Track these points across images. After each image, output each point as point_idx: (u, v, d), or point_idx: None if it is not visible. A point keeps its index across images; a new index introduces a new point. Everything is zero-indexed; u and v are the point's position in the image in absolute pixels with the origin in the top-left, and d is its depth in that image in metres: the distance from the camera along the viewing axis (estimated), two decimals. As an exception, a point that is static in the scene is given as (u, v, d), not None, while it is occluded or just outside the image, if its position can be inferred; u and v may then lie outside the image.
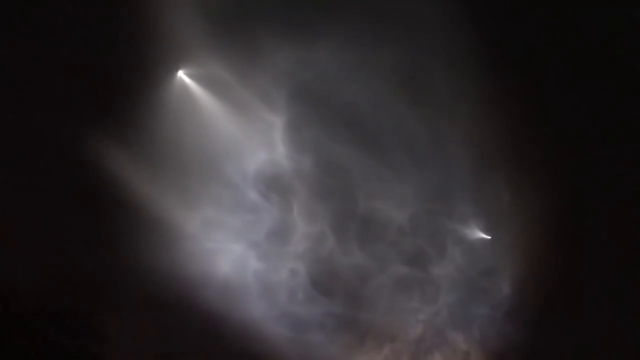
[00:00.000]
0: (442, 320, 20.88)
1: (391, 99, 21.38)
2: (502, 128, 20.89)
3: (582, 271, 20.52)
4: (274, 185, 21.82)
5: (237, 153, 21.91)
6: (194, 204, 21.41)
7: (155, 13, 20.71)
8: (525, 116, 21.06)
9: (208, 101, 22.16)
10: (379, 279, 21.12)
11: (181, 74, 21.87)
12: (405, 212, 21.35)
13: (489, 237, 21.24)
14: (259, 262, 21.27)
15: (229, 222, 21.51)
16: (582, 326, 19.83)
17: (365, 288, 21.11)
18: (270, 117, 21.94)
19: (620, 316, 19.89)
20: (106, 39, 21.27)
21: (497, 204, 21.21)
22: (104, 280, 18.26)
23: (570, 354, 19.64)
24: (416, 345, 20.80)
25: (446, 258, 21.24)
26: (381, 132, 21.52)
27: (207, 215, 21.45)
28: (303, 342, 20.45)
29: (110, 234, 19.46)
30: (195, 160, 21.84)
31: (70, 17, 21.13)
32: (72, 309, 17.46)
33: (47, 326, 17.02)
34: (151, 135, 21.41)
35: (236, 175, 21.80)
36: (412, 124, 21.29)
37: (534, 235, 20.58)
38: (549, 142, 21.34)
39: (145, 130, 21.35)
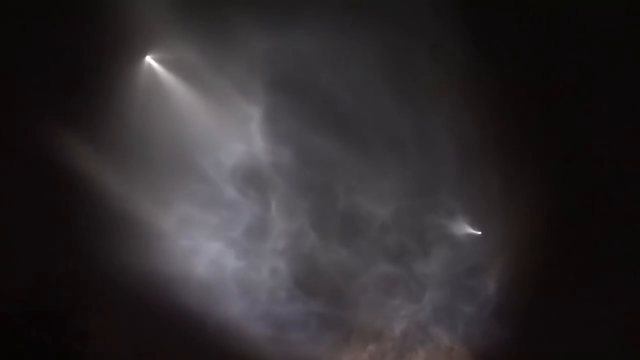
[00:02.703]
0: (427, 318, 21.52)
1: (373, 90, 21.40)
2: (489, 120, 21.17)
3: (570, 270, 21.10)
4: (251, 179, 21.90)
5: (212, 146, 21.85)
6: (168, 201, 21.43)
7: None
8: (513, 108, 21.37)
9: (179, 89, 21.92)
10: (362, 277, 21.57)
11: (149, 59, 21.59)
12: (389, 207, 21.73)
13: (477, 233, 21.84)
14: (238, 260, 21.56)
15: (205, 219, 21.65)
16: (569, 326, 20.59)
17: (348, 286, 21.57)
18: (246, 108, 21.84)
19: (608, 316, 20.58)
20: (68, 21, 20.69)
21: (483, 199, 21.61)
22: (83, 279, 18.72)
23: (556, 354, 20.59)
24: (401, 343, 21.53)
25: (431, 255, 21.77)
26: (363, 124, 21.63)
27: (182, 212, 21.52)
28: (285, 342, 20.98)
29: (85, 233, 19.58)
30: (168, 153, 21.73)
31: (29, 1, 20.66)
32: (53, 309, 18.08)
33: (29, 326, 17.61)
34: (119, 127, 21.17)
35: (211, 170, 21.79)
36: (395, 115, 21.37)
37: (522, 232, 21.15)
38: (538, 135, 21.63)
39: (112, 121, 21.10)
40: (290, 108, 21.65)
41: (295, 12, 21.01)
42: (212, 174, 21.85)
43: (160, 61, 21.63)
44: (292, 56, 21.40)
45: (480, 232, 21.96)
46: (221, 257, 21.59)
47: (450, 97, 21.54)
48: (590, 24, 21.92)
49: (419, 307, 21.79)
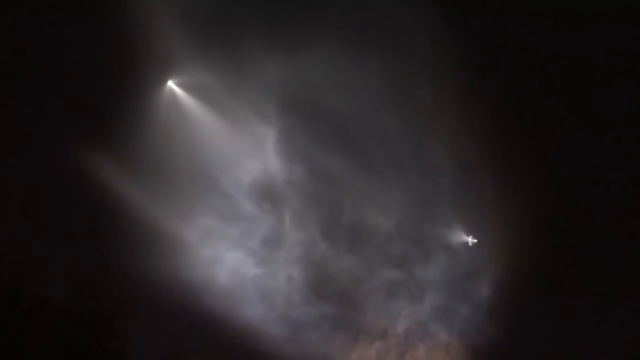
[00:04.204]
0: (427, 317, 24.16)
1: (378, 111, 24.00)
2: (483, 138, 23.66)
3: (558, 275, 23.50)
4: (267, 194, 24.49)
5: (231, 164, 24.41)
6: (192, 215, 24.01)
7: (145, 24, 22.83)
8: (506, 127, 23.77)
9: (199, 111, 24.42)
10: (368, 282, 24.19)
11: (171, 83, 24.14)
12: (392, 218, 24.33)
13: (472, 242, 24.43)
14: (256, 268, 24.15)
15: (225, 231, 24.23)
16: (556, 326, 23.08)
17: (356, 290, 24.16)
18: (261, 129, 24.44)
19: (593, 316, 23.05)
20: (97, 49, 23.36)
21: (478, 211, 24.20)
22: (121, 288, 21.11)
23: (544, 351, 22.86)
24: (404, 340, 24.13)
25: (431, 261, 24.34)
26: (368, 142, 24.21)
27: (205, 225, 24.12)
28: (300, 341, 23.56)
29: (120, 247, 22.06)
30: (190, 171, 24.29)
31: (63, 31, 23.16)
32: (94, 314, 20.49)
33: (74, 330, 20.11)
34: (145, 147, 23.64)
35: (231, 186, 24.39)
36: (397, 134, 23.97)
37: (514, 241, 23.50)
38: (530, 152, 24.08)
39: (139, 142, 23.55)
40: (302, 129, 24.20)
41: (305, 41, 23.50)
42: (231, 189, 24.45)
43: (181, 85, 24.24)
44: (303, 81, 23.84)
45: (475, 241, 24.66)
46: (241, 266, 24.19)
47: (448, 117, 23.94)
48: (577, 44, 24.36)
49: (419, 308, 24.41)
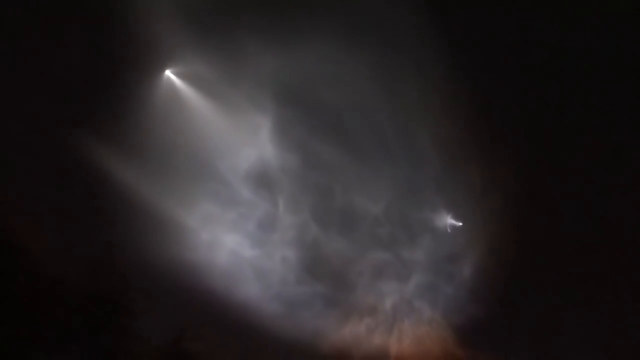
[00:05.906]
0: (412, 296, 26.52)
1: (368, 102, 25.95)
2: (468, 128, 25.60)
3: (537, 258, 25.81)
4: (262, 180, 26.49)
5: (228, 151, 26.25)
6: (191, 201, 25.91)
7: (143, 15, 24.30)
8: (490, 117, 25.81)
9: (196, 100, 26.09)
10: (358, 262, 26.46)
11: (169, 73, 25.71)
12: (381, 203, 26.50)
13: (456, 226, 26.71)
14: (253, 249, 26.25)
15: (223, 215, 26.23)
16: (532, 306, 25.46)
17: (347, 270, 26.41)
18: (257, 118, 26.29)
19: (568, 298, 25.47)
20: (95, 39, 24.85)
21: (462, 197, 26.38)
22: (130, 268, 22.99)
23: (518, 328, 25.22)
24: (392, 316, 26.51)
25: (417, 244, 26.63)
26: (358, 132, 26.17)
27: (204, 210, 26.07)
28: (295, 318, 25.71)
29: (128, 231, 24.03)
30: (189, 158, 26.07)
31: (61, 21, 24.53)
32: (107, 291, 22.40)
33: (87, 306, 22.06)
34: (145, 133, 25.23)
35: (228, 173, 26.30)
36: (386, 124, 26.02)
37: (496, 225, 25.66)
38: (512, 141, 26.12)
39: (138, 130, 25.12)
40: (296, 119, 26.11)
41: (300, 35, 25.21)
42: (229, 176, 26.37)
43: (179, 75, 25.83)
44: (297, 73, 25.62)
45: (459, 224, 26.93)
46: (239, 248, 26.24)
47: (435, 109, 25.95)
48: (561, 39, 26.34)
49: (406, 287, 26.77)
